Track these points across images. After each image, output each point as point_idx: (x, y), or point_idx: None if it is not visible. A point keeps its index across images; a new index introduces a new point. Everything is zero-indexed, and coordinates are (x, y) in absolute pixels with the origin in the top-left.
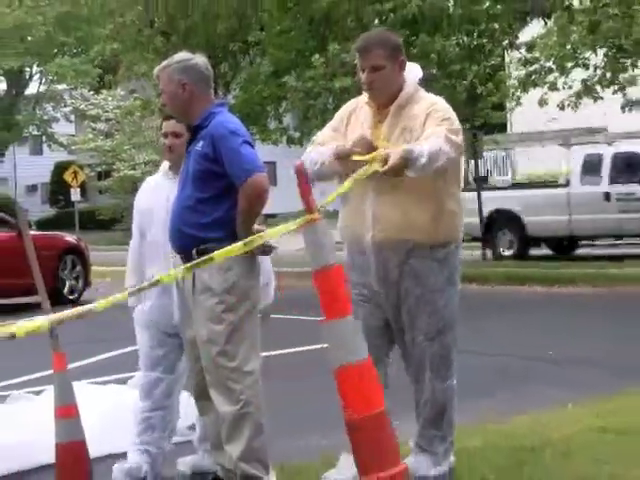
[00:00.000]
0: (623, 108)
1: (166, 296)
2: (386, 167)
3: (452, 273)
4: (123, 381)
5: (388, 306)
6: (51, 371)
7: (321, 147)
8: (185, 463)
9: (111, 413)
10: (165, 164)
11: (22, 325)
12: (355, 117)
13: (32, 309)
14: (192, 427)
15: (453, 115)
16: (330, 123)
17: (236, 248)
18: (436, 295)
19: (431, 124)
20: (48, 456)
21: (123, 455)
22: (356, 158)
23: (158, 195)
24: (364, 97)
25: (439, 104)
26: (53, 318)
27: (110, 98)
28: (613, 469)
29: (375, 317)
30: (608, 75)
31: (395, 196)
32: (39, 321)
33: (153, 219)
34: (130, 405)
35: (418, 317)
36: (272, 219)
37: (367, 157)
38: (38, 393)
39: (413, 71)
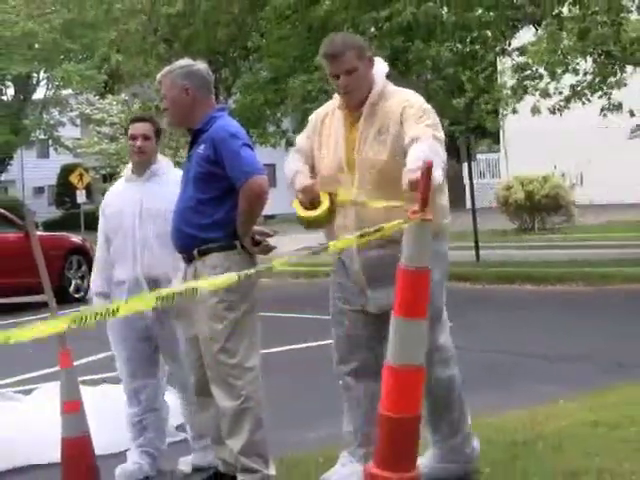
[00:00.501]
0: (602, 111)
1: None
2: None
3: (438, 264)
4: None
5: (376, 309)
6: (49, 370)
7: (294, 163)
8: (186, 462)
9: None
10: (128, 167)
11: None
12: (329, 122)
13: (37, 308)
14: (180, 427)
15: (428, 107)
16: (306, 127)
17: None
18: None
19: (411, 124)
20: (25, 457)
21: (111, 456)
22: (301, 214)
23: (125, 198)
24: (335, 101)
25: (412, 99)
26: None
27: (115, 103)
28: (604, 462)
29: (362, 326)
30: (597, 80)
31: (378, 195)
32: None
33: (122, 223)
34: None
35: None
36: (271, 220)
37: (312, 214)
38: (29, 392)
39: (379, 67)
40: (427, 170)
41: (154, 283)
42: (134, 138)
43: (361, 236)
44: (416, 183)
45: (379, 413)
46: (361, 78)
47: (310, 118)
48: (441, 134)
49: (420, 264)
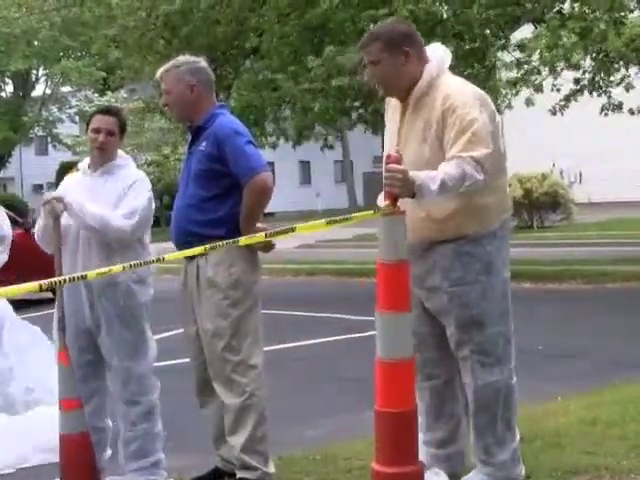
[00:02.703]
0: (602, 111)
1: (74, 300)
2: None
3: (489, 263)
4: None
5: (420, 306)
6: None
7: None
8: None
9: None
10: (86, 161)
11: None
12: (391, 110)
13: (39, 304)
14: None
15: (471, 106)
16: None
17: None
18: (466, 288)
19: (450, 140)
20: None
21: None
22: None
23: (72, 192)
24: None
25: (454, 95)
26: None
27: (114, 100)
28: (602, 460)
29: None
30: (597, 78)
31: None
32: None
33: (68, 219)
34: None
35: (450, 312)
36: (271, 217)
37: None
38: None
39: (436, 55)
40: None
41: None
42: (97, 132)
43: (329, 223)
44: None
45: (375, 410)
46: (385, 70)
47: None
48: (481, 152)
49: (397, 257)
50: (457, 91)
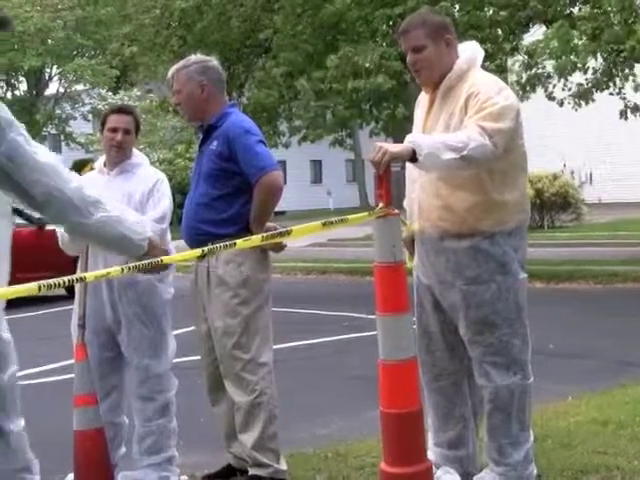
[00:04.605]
0: (622, 115)
1: (95, 298)
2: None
3: (504, 263)
4: None
5: (432, 304)
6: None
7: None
8: (125, 477)
9: None
10: (101, 160)
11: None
12: (419, 105)
13: (53, 301)
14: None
15: (498, 95)
16: None
17: None
18: (480, 287)
19: (468, 116)
20: None
21: None
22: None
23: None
24: None
25: (482, 84)
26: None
27: (127, 98)
28: (613, 460)
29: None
30: (605, 79)
31: (437, 186)
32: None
33: None
34: None
35: (462, 311)
36: (282, 216)
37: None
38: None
39: (468, 50)
40: (384, 166)
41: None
42: (114, 131)
43: (324, 225)
44: (375, 163)
45: (380, 411)
46: (429, 57)
47: (417, 100)
48: (497, 124)
49: (394, 259)
50: (482, 81)
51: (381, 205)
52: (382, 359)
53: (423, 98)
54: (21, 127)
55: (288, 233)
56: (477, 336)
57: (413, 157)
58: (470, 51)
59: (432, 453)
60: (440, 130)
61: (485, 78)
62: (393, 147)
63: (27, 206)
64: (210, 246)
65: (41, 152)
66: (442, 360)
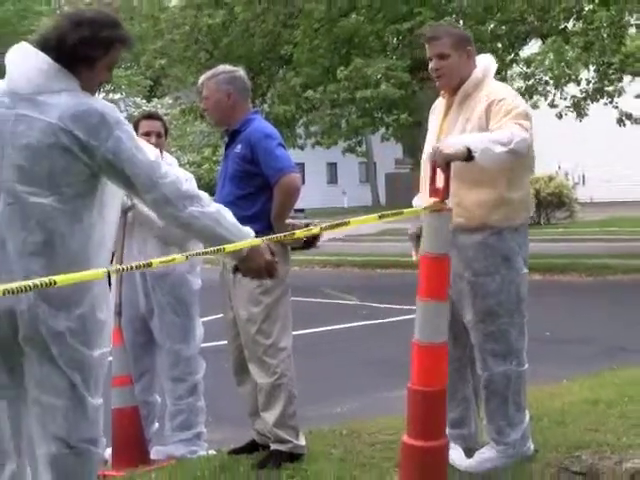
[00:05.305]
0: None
1: (130, 288)
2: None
3: (509, 257)
4: None
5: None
6: None
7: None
8: (157, 451)
9: None
10: None
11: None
12: (435, 111)
13: None
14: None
15: (517, 99)
16: None
17: None
18: (487, 279)
19: (498, 118)
20: None
21: None
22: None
23: None
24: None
25: (500, 92)
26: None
27: (159, 106)
28: (604, 437)
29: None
30: (597, 87)
31: (453, 185)
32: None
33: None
34: None
35: (469, 300)
36: (301, 213)
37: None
38: None
39: (484, 62)
40: (445, 162)
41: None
42: (148, 135)
43: (380, 217)
44: (430, 161)
45: (408, 387)
46: (453, 66)
47: (432, 106)
48: (526, 122)
49: (440, 251)
50: (501, 89)
51: (436, 200)
52: (418, 340)
53: (439, 104)
54: (127, 125)
55: (346, 223)
56: (480, 324)
57: (467, 156)
58: (486, 62)
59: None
60: (456, 134)
61: (501, 86)
62: (448, 149)
63: (130, 194)
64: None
65: (142, 149)
66: (447, 345)
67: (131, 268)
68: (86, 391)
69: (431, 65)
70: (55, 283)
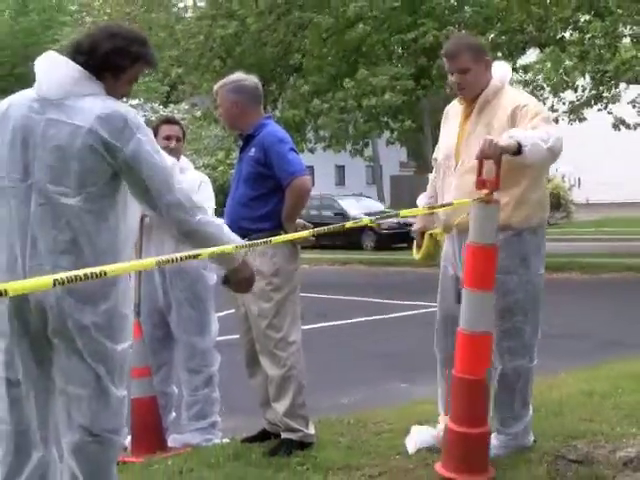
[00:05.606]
0: (615, 127)
1: (149, 284)
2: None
3: (526, 257)
4: None
5: (456, 293)
6: None
7: (422, 197)
8: (174, 439)
9: None
10: None
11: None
12: (452, 113)
13: None
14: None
15: (539, 105)
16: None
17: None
18: (507, 277)
19: (526, 121)
20: None
21: None
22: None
23: None
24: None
25: (525, 100)
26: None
27: (176, 111)
28: (598, 427)
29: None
30: (593, 93)
31: (471, 183)
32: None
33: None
34: None
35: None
36: None
37: (415, 255)
38: None
39: (501, 69)
40: (497, 154)
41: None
42: (169, 138)
43: (429, 209)
44: (486, 155)
45: (453, 375)
46: (474, 78)
47: (444, 111)
48: (554, 124)
49: (487, 241)
50: (522, 95)
51: (485, 191)
52: (463, 329)
53: (453, 109)
54: (147, 130)
55: (397, 215)
56: (498, 320)
57: (517, 150)
58: (502, 70)
59: (443, 421)
60: (479, 137)
61: (519, 93)
62: (502, 141)
63: (142, 201)
64: (313, 229)
65: (160, 154)
66: (491, 336)
67: (180, 259)
68: (110, 382)
69: (452, 79)
70: (105, 274)
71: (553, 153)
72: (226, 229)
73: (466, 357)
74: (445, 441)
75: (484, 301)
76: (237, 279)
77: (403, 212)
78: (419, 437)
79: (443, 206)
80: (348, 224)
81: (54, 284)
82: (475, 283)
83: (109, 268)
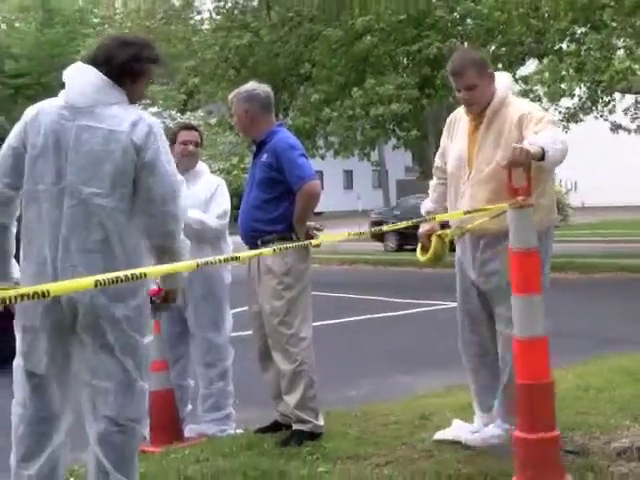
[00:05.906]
0: (612, 131)
1: None
2: (505, 162)
3: (548, 259)
4: None
5: (476, 293)
6: None
7: (426, 202)
8: (190, 429)
9: None
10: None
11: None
12: (459, 124)
13: None
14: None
15: (542, 111)
16: (441, 143)
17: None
18: None
19: (533, 125)
20: None
21: None
22: (418, 255)
23: None
24: (462, 108)
25: (529, 108)
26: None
27: (192, 118)
28: (594, 419)
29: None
30: (589, 102)
31: (485, 192)
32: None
33: None
34: None
35: (505, 292)
36: (320, 216)
37: (421, 257)
38: None
39: (503, 80)
40: (528, 161)
41: None
42: (187, 143)
43: (466, 213)
44: (511, 162)
45: (517, 383)
46: (481, 93)
47: (448, 120)
48: (560, 132)
49: (528, 245)
50: (525, 104)
51: (520, 198)
52: (517, 336)
53: (458, 119)
54: (166, 142)
55: (433, 219)
56: (508, 312)
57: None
58: (506, 81)
59: (480, 419)
60: (492, 145)
61: (523, 101)
62: (531, 149)
63: (143, 205)
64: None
65: (172, 164)
66: (486, 339)
67: (220, 261)
68: (137, 375)
69: (461, 96)
70: (146, 275)
71: (563, 156)
72: (187, 256)
73: (526, 363)
74: (515, 450)
75: (533, 304)
76: (171, 296)
77: (439, 216)
78: (453, 430)
79: (477, 211)
80: (386, 227)
81: (96, 285)
82: (522, 288)
83: (149, 270)
